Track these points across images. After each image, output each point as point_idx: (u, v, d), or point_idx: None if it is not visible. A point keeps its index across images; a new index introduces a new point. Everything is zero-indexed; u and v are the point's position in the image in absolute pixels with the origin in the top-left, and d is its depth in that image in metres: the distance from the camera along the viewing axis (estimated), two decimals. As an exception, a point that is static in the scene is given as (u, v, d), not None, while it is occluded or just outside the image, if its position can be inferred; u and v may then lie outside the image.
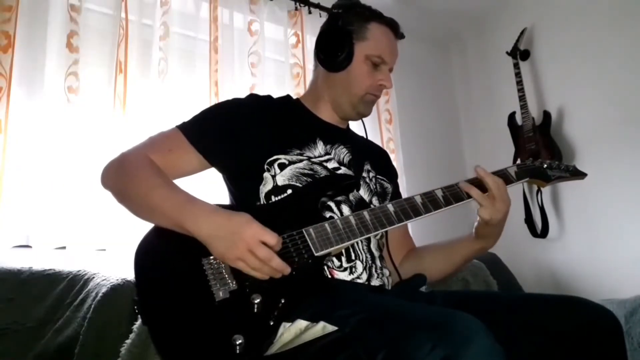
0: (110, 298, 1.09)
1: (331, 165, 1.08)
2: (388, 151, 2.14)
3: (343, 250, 0.99)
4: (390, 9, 1.24)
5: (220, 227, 0.83)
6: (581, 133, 2.47)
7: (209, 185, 1.48)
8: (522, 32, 2.66)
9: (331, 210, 1.02)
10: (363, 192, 1.11)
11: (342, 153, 1.13)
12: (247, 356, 0.77)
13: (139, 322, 1.06)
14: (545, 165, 1.12)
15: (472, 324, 0.65)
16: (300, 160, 1.05)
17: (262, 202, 1.02)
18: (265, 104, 1.15)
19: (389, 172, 1.29)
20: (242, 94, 1.20)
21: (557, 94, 2.59)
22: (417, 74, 3.02)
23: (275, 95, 1.21)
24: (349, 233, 0.91)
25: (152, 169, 0.95)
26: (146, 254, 0.87)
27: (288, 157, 1.04)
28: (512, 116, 2.67)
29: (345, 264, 0.99)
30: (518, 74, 2.60)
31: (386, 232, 1.09)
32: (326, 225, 0.91)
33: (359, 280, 0.99)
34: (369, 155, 1.22)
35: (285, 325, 0.82)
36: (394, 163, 1.55)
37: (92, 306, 1.09)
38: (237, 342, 0.76)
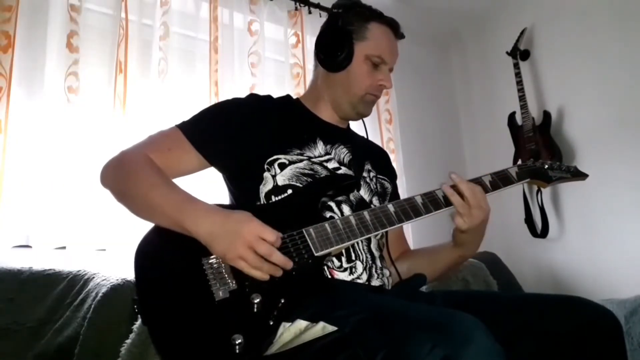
0: (110, 298, 1.09)
1: (331, 165, 1.08)
2: (388, 151, 2.14)
3: (343, 251, 0.99)
4: (390, 9, 1.24)
5: (220, 226, 0.83)
6: (581, 133, 2.47)
7: (209, 185, 1.49)
8: (522, 32, 2.66)
9: (331, 210, 1.02)
10: (363, 192, 1.11)
11: (343, 153, 1.13)
12: (247, 356, 0.77)
13: (139, 322, 1.06)
14: (546, 166, 1.12)
15: (472, 324, 0.65)
16: (301, 160, 1.04)
17: (262, 202, 1.02)
18: (265, 104, 1.15)
19: (390, 172, 1.29)
20: (242, 94, 1.20)
21: (557, 94, 2.59)
22: (417, 74, 3.02)
23: (275, 95, 1.21)
24: (349, 233, 0.91)
25: (151, 168, 0.95)
26: (146, 253, 0.87)
27: (288, 157, 1.04)
28: (512, 116, 2.67)
29: (345, 264, 0.99)
30: (518, 74, 2.60)
31: (386, 232, 1.09)
32: (326, 225, 0.91)
33: (359, 281, 0.99)
34: (370, 155, 1.22)
35: (285, 325, 0.81)
36: (394, 163, 1.56)
37: (92, 306, 1.09)
38: (237, 342, 0.76)
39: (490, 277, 1.79)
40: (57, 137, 1.63)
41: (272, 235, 0.82)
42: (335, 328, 0.75)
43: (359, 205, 1.06)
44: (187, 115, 1.09)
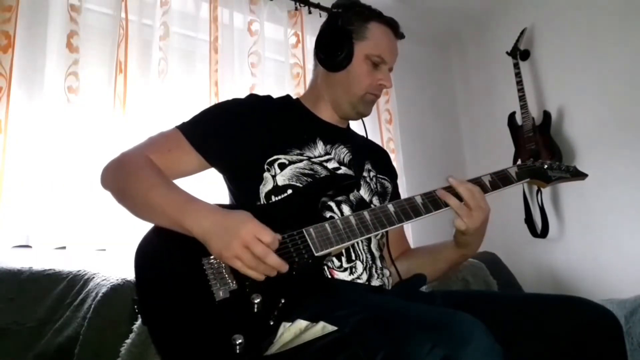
0: (110, 298, 1.09)
1: (331, 165, 1.08)
2: (388, 151, 2.14)
3: (343, 251, 0.99)
4: (390, 9, 1.24)
5: (218, 224, 0.82)
6: (581, 133, 2.47)
7: (209, 185, 1.48)
8: (522, 32, 2.66)
9: (331, 210, 1.02)
10: (363, 192, 1.11)
11: (343, 153, 1.13)
12: (247, 356, 0.77)
13: (139, 322, 1.06)
14: (545, 166, 1.12)
15: (472, 324, 0.65)
16: (301, 160, 1.04)
17: (262, 202, 1.02)
18: (265, 104, 1.15)
19: (390, 172, 1.29)
20: (242, 94, 1.20)
21: (557, 94, 2.59)
22: (417, 74, 3.02)
23: (275, 95, 1.21)
24: (349, 233, 0.91)
25: (151, 169, 0.95)
26: (146, 253, 0.87)
27: (288, 157, 1.04)
28: (512, 116, 2.67)
29: (345, 264, 0.99)
30: (518, 74, 2.60)
31: (386, 232, 1.09)
32: (326, 225, 0.91)
33: (359, 281, 0.99)
34: (370, 154, 1.22)
35: (285, 325, 0.81)
36: (394, 163, 1.55)
37: (92, 306, 1.09)
38: (237, 342, 0.76)
39: (490, 277, 1.79)
40: (57, 137, 1.63)
41: (268, 236, 0.81)
42: (335, 328, 0.75)
43: (359, 205, 1.06)
44: (187, 116, 1.09)
